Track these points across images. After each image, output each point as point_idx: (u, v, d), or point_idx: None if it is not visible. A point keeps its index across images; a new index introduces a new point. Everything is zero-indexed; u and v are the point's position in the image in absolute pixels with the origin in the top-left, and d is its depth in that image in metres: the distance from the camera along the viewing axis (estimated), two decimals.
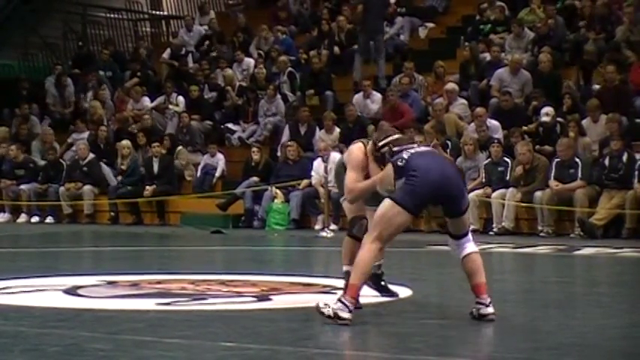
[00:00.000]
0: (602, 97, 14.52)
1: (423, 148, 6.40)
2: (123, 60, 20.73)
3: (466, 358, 5.42)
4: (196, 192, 16.39)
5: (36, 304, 7.19)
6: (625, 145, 13.53)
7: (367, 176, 6.65)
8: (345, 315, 6.06)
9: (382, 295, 7.27)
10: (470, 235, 6.36)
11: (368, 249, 6.14)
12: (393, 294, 7.30)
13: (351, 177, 6.65)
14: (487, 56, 16.61)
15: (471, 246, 6.35)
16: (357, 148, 6.74)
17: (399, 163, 6.22)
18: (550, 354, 5.50)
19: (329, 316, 6.08)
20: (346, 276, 6.66)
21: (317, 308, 6.15)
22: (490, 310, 6.29)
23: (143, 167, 16.79)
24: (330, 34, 18.81)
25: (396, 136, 6.56)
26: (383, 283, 7.32)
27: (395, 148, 6.44)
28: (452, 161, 7.16)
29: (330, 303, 6.13)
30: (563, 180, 13.53)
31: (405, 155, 6.27)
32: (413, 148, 6.37)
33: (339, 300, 6.11)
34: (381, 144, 6.62)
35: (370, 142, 6.66)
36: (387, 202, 6.15)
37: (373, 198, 6.71)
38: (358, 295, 6.18)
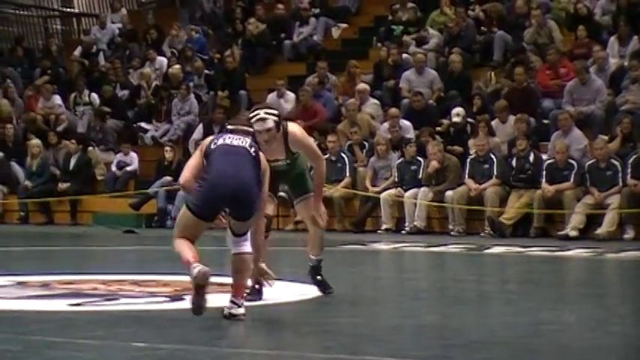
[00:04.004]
0: (510, 98, 14.75)
1: (233, 142, 6.36)
2: (33, 57, 20.40)
3: (377, 355, 5.46)
4: (109, 191, 16.21)
5: None
6: (531, 146, 13.76)
7: None
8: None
9: (319, 289, 7.38)
10: (248, 235, 6.38)
11: (174, 243, 6.33)
12: (329, 288, 7.38)
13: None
14: (404, 56, 16.69)
15: (246, 246, 6.37)
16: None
17: (212, 146, 6.35)
18: (460, 351, 5.57)
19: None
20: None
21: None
22: (241, 310, 6.36)
23: (55, 166, 16.55)
24: (244, 34, 18.79)
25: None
26: (319, 277, 7.41)
27: (229, 126, 6.57)
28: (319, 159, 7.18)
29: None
30: (478, 178, 13.71)
31: (213, 146, 6.38)
32: (224, 137, 6.40)
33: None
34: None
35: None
36: (183, 207, 6.38)
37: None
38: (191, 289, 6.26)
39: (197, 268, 6.10)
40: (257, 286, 7.14)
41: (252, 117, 6.94)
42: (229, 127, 6.59)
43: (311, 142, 7.40)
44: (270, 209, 7.20)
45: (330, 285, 7.44)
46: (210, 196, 6.24)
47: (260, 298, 7.09)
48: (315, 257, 7.44)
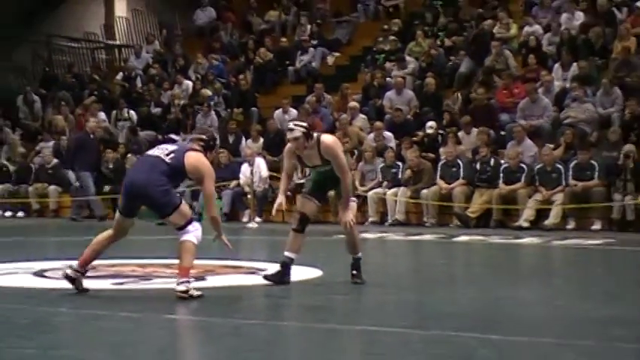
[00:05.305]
0: (474, 113, 14.76)
1: (154, 152, 6.41)
2: (82, 81, 20.41)
3: (365, 325, 5.47)
4: None
5: (8, 285, 7.06)
6: (492, 152, 13.77)
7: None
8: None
9: (352, 279, 7.01)
10: (187, 228, 6.34)
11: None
12: (357, 279, 7.02)
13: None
14: (387, 79, 16.68)
15: (185, 236, 6.34)
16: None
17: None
18: (434, 322, 5.58)
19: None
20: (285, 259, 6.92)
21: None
22: (181, 288, 6.20)
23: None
24: (255, 61, 18.80)
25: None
26: (354, 272, 7.03)
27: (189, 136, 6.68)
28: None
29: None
30: (447, 179, 13.73)
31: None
32: (156, 148, 6.50)
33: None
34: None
35: None
36: None
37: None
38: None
39: (68, 270, 6.38)
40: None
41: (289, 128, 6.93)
42: (189, 137, 6.74)
43: (340, 154, 6.83)
44: (307, 208, 7.00)
45: (361, 277, 6.99)
46: (123, 196, 6.38)
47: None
48: (352, 256, 7.11)
